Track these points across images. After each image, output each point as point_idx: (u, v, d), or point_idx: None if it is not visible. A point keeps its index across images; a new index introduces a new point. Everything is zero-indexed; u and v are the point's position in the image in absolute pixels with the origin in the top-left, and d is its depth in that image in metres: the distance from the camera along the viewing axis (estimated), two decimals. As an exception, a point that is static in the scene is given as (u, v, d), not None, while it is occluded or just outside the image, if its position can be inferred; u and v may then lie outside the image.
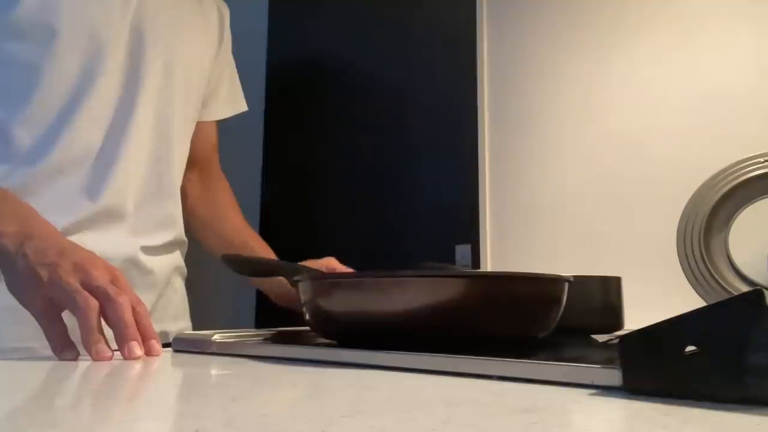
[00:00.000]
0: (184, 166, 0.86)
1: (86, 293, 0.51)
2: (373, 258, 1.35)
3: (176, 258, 0.84)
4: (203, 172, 0.97)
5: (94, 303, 0.50)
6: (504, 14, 1.26)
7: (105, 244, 0.71)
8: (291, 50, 1.68)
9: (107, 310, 0.51)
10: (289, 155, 1.62)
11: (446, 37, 1.35)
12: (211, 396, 0.32)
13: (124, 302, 0.51)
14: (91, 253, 0.56)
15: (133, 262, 0.75)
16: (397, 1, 1.46)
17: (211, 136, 0.99)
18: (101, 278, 0.52)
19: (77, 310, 0.50)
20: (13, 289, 0.56)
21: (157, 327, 0.77)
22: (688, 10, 1.04)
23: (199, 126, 0.92)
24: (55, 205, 0.68)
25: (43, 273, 0.52)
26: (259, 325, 1.58)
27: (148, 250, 0.77)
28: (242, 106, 1.00)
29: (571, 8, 1.17)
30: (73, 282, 0.51)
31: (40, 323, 0.53)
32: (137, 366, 0.46)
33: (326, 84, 1.59)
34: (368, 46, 1.50)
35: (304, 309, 0.52)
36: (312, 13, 1.65)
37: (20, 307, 0.65)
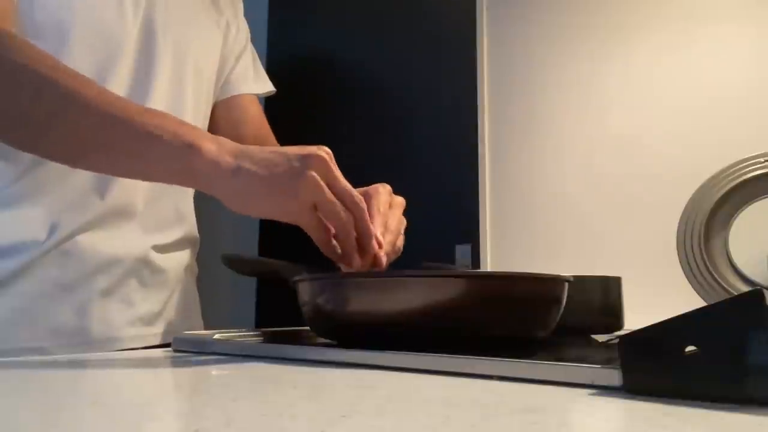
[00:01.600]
0: None
1: (341, 205, 0.53)
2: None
3: (187, 256, 0.84)
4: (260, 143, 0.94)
5: (349, 217, 0.54)
6: (504, 14, 1.26)
7: (116, 243, 0.71)
8: (290, 50, 1.68)
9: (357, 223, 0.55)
10: (289, 155, 1.62)
11: (446, 37, 1.35)
12: (211, 396, 0.32)
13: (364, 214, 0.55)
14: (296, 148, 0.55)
15: (145, 262, 0.75)
16: (398, 1, 1.46)
17: (255, 109, 0.95)
18: (341, 180, 0.54)
19: (343, 230, 0.53)
20: (257, 203, 0.54)
21: (167, 326, 0.77)
22: (688, 10, 1.04)
23: (237, 102, 0.91)
24: (66, 205, 0.68)
25: (294, 182, 0.52)
26: (259, 325, 1.58)
27: (159, 248, 0.77)
28: (270, 87, 0.99)
29: (571, 8, 1.17)
30: (328, 196, 0.53)
31: (314, 233, 0.54)
32: (137, 366, 0.46)
33: (326, 84, 1.58)
34: (368, 46, 1.50)
35: (304, 309, 0.52)
36: (311, 12, 1.65)
37: (32, 307, 0.65)
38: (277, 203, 0.53)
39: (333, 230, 0.55)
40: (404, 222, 0.67)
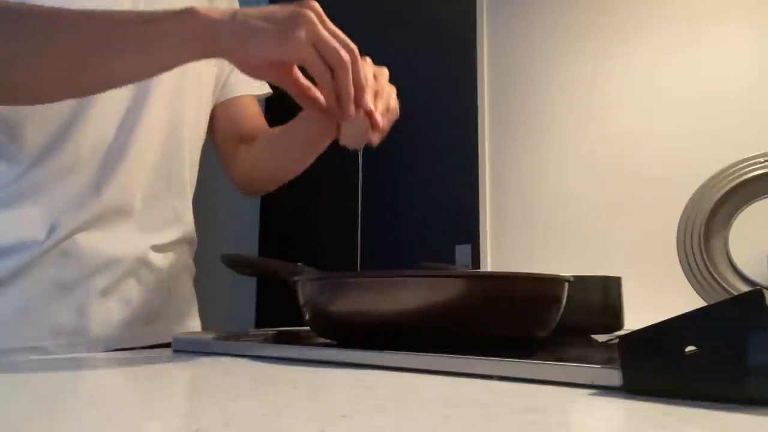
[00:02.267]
0: (196, 163, 0.86)
1: (343, 49, 0.55)
2: (373, 258, 1.35)
3: (185, 256, 0.84)
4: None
5: (347, 56, 0.55)
6: (504, 14, 1.26)
7: (115, 242, 0.72)
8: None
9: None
10: (289, 155, 1.62)
11: (446, 37, 1.35)
12: (211, 396, 0.32)
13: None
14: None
15: (143, 261, 0.75)
16: (398, 1, 1.46)
17: (254, 109, 0.95)
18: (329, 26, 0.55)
19: (341, 66, 0.55)
20: (261, 48, 0.54)
21: (165, 326, 0.77)
22: (688, 10, 1.04)
23: (238, 103, 0.91)
24: (64, 204, 0.68)
25: (291, 26, 0.53)
26: (259, 325, 1.58)
27: (157, 248, 0.77)
28: (267, 89, 0.99)
29: (572, 8, 1.17)
30: (325, 33, 0.54)
31: (316, 67, 0.55)
32: (137, 366, 0.46)
33: (326, 84, 1.58)
34: (368, 46, 1.50)
35: (304, 309, 0.52)
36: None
37: (33, 306, 0.65)
38: (279, 39, 0.54)
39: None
40: (393, 89, 0.69)
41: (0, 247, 0.65)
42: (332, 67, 0.55)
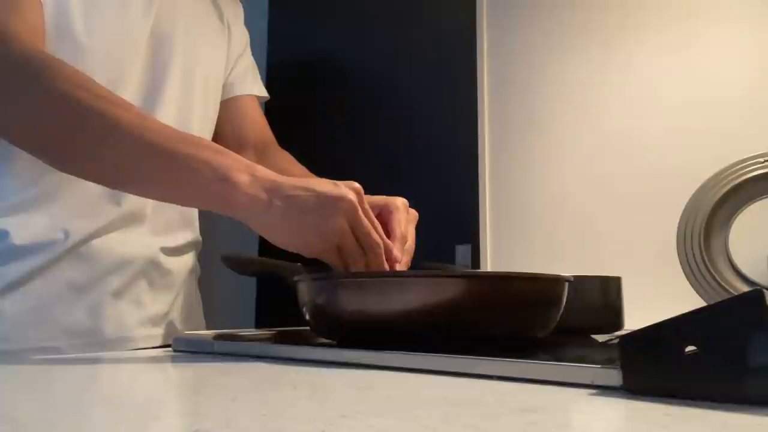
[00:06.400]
0: None
1: (362, 251, 0.57)
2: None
3: (192, 259, 0.85)
4: (260, 152, 0.94)
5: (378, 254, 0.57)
6: (504, 14, 1.26)
7: (128, 244, 0.73)
8: (291, 51, 1.68)
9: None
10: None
11: (446, 37, 1.35)
12: (211, 396, 0.32)
13: (379, 250, 0.57)
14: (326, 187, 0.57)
15: (154, 263, 0.75)
16: (398, 1, 1.46)
17: (255, 112, 0.95)
18: (365, 224, 0.56)
19: (374, 253, 0.57)
20: (285, 239, 0.57)
21: (174, 327, 0.78)
22: (688, 10, 1.04)
23: (237, 103, 0.92)
24: (80, 210, 0.69)
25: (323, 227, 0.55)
26: (259, 324, 1.58)
27: (167, 250, 0.78)
28: (265, 93, 0.99)
29: (572, 8, 1.17)
30: (362, 221, 0.56)
31: (336, 266, 0.58)
32: (137, 366, 0.46)
33: (326, 85, 1.59)
34: (368, 47, 1.50)
35: (304, 309, 0.52)
36: (312, 13, 1.66)
37: (47, 307, 0.66)
38: (304, 242, 0.57)
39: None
40: (416, 216, 0.70)
41: (15, 249, 0.65)
42: (365, 250, 0.57)
